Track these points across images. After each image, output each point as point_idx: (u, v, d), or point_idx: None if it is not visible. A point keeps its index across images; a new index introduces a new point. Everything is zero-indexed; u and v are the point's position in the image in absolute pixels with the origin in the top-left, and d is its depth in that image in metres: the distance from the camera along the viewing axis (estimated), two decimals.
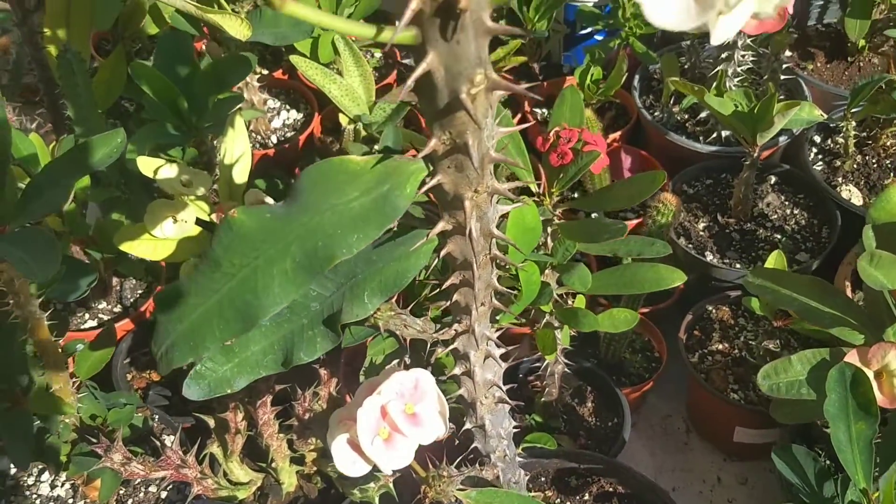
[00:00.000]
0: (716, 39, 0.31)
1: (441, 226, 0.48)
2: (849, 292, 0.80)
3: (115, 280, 0.92)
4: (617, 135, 1.08)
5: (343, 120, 1.08)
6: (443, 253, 0.49)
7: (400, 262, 0.49)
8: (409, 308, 0.59)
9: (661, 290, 0.64)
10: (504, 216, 0.51)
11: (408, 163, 0.43)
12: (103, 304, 0.90)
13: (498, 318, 0.59)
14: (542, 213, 0.62)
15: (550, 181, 0.65)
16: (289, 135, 1.15)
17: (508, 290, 0.59)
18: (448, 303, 0.55)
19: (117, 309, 0.90)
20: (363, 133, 1.04)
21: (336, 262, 0.41)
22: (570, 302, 0.70)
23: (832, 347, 0.61)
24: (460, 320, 0.57)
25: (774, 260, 0.78)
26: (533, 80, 1.22)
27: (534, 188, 0.66)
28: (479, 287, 0.53)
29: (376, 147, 1.06)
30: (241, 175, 0.79)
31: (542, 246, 0.65)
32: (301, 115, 1.17)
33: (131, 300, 0.91)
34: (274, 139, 1.15)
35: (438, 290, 0.53)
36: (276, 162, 1.11)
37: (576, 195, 0.69)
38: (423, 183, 0.44)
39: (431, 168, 0.44)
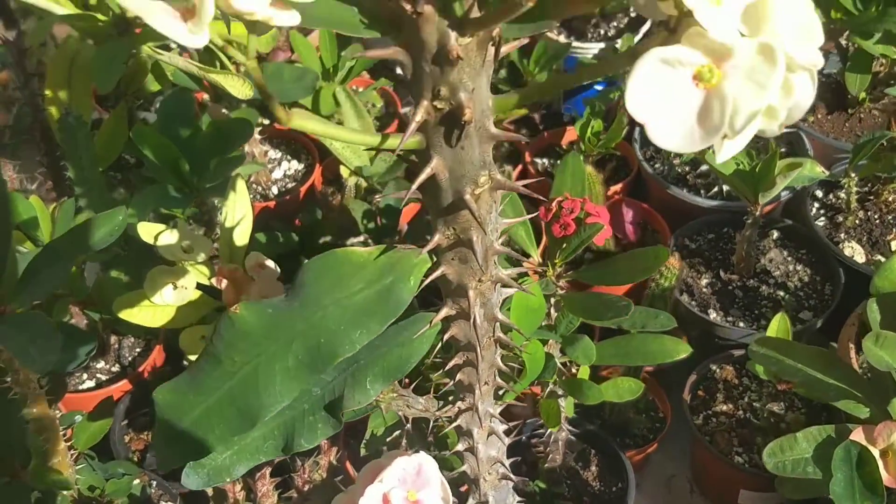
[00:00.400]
0: (721, 158, 0.31)
1: (445, 312, 0.47)
2: (852, 354, 0.79)
3: (113, 338, 0.91)
4: (618, 187, 1.08)
5: (344, 172, 1.08)
6: (446, 337, 0.49)
7: (403, 347, 0.48)
8: (411, 386, 0.58)
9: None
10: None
11: (411, 254, 0.43)
12: (101, 364, 0.90)
13: (501, 393, 0.59)
14: (544, 287, 0.61)
15: (553, 251, 0.64)
16: (290, 185, 1.15)
17: (512, 365, 0.59)
18: (451, 382, 0.54)
19: (115, 368, 0.90)
20: (364, 185, 1.04)
21: (339, 359, 0.41)
22: (573, 369, 0.69)
23: (837, 424, 0.61)
24: (463, 398, 0.56)
25: (777, 324, 0.77)
26: (534, 129, 1.22)
27: (536, 256, 0.66)
28: (482, 368, 0.52)
29: (378, 200, 1.06)
30: (241, 237, 0.79)
31: (546, 315, 0.65)
32: (302, 166, 1.18)
33: (129, 359, 0.91)
34: (275, 190, 1.15)
35: (442, 370, 0.52)
36: (277, 214, 1.11)
37: (580, 256, 0.69)
38: (428, 274, 0.44)
39: (435, 259, 0.44)
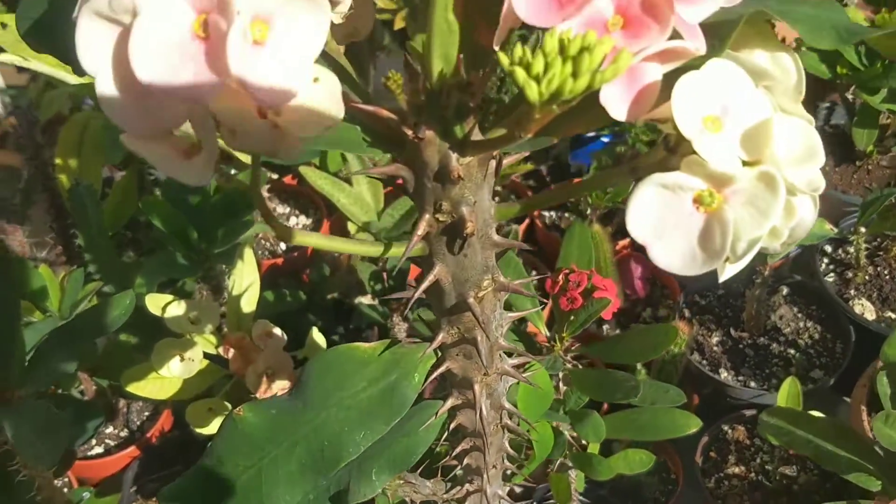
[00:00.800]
0: (723, 278, 0.31)
1: (451, 402, 0.47)
2: (864, 416, 0.79)
3: (122, 402, 0.91)
4: (626, 241, 1.08)
5: (352, 227, 1.09)
6: (452, 425, 0.49)
7: (409, 437, 0.48)
8: (418, 470, 0.58)
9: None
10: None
11: (416, 350, 0.43)
12: (110, 429, 0.90)
13: (510, 474, 0.58)
14: (552, 363, 0.61)
15: (560, 325, 0.64)
16: None
17: (521, 442, 0.58)
18: (459, 466, 0.54)
19: (124, 433, 0.90)
20: (371, 239, 1.04)
21: (343, 463, 0.41)
22: (583, 441, 0.68)
23: (848, 500, 0.60)
24: (471, 480, 0.56)
25: (788, 389, 0.76)
26: (541, 182, 1.23)
27: (543, 330, 0.65)
28: (490, 452, 0.52)
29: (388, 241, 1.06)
30: (249, 304, 0.79)
31: (554, 389, 0.64)
32: (310, 221, 1.18)
33: (138, 423, 0.90)
34: (283, 246, 1.15)
35: (448, 455, 0.52)
36: (285, 270, 1.11)
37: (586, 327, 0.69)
38: (433, 369, 0.44)
39: (440, 355, 0.44)
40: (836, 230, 0.92)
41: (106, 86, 0.28)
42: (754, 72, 0.30)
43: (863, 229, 0.95)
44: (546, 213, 1.17)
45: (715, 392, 0.90)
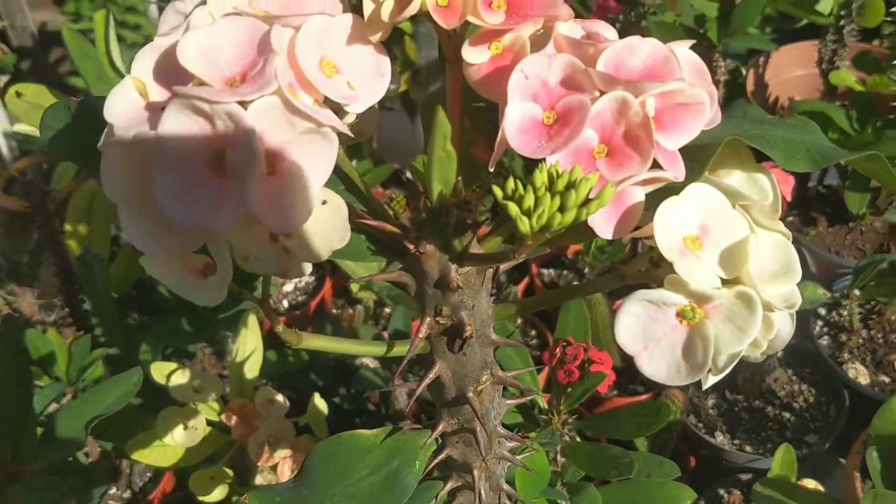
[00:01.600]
0: (706, 386, 0.33)
1: (451, 485, 0.48)
2: (858, 484, 0.80)
3: (125, 463, 0.92)
4: (622, 301, 1.09)
5: (354, 286, 1.11)
6: None
7: None
8: None
9: None
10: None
11: (417, 437, 0.44)
12: (113, 490, 0.91)
13: None
14: (549, 436, 0.63)
15: (558, 397, 0.66)
16: (300, 299, 1.17)
17: None
18: None
19: (126, 495, 0.91)
20: (373, 305, 1.06)
21: None
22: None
23: None
24: None
25: (782, 456, 0.77)
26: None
27: (542, 403, 0.67)
28: None
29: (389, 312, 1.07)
30: (252, 370, 0.80)
31: (552, 461, 0.65)
32: (313, 279, 1.20)
33: (140, 485, 0.91)
34: (286, 304, 1.17)
35: None
36: (288, 328, 1.12)
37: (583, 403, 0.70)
38: (433, 456, 0.45)
39: (440, 442, 0.45)
40: (829, 295, 0.94)
41: (128, 213, 0.30)
42: (731, 194, 0.33)
43: (857, 292, 0.96)
44: (545, 271, 1.19)
45: (711, 454, 0.91)
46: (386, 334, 0.98)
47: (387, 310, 1.13)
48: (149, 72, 0.31)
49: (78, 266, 0.81)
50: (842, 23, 1.13)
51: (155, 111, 0.30)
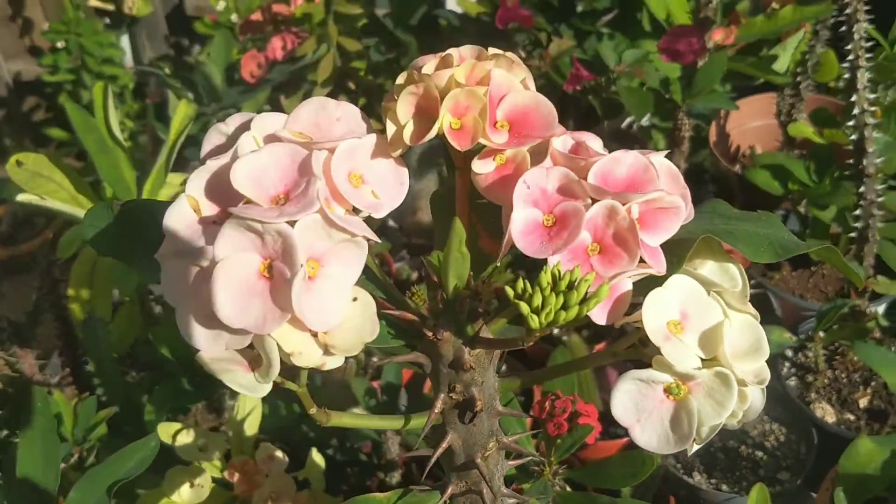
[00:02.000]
0: (691, 453, 0.38)
1: None
2: None
3: None
4: (601, 345, 1.14)
5: None
6: None
7: None
8: None
9: None
10: None
11: (427, 499, 0.48)
12: None
13: None
14: (542, 490, 0.67)
15: (549, 448, 0.70)
16: None
17: None
18: None
19: None
20: (363, 358, 1.10)
21: None
22: None
23: None
24: None
25: (756, 495, 0.82)
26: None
27: (536, 456, 0.71)
28: None
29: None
30: (251, 428, 0.84)
31: None
32: None
33: None
34: None
35: None
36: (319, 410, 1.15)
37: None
38: None
39: (449, 503, 0.49)
40: (794, 339, 1.00)
41: (184, 314, 0.34)
42: (706, 283, 0.38)
43: (821, 334, 1.02)
44: None
45: (690, 494, 0.96)
46: (377, 384, 1.02)
47: (374, 359, 1.16)
48: (201, 191, 0.35)
49: (82, 330, 0.85)
50: (798, 79, 1.21)
51: (208, 225, 0.35)
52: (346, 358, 1.02)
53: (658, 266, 0.36)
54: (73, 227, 0.88)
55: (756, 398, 0.38)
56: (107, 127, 0.93)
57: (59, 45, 1.96)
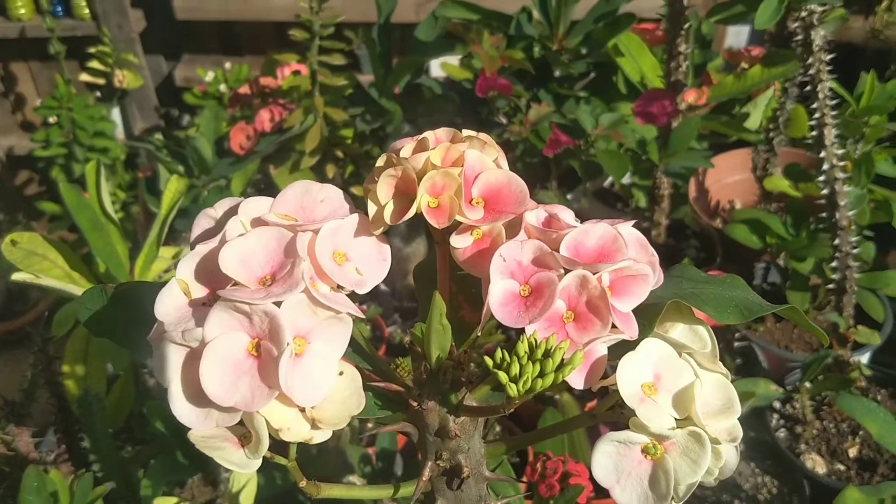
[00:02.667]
0: None
1: None
2: None
3: None
4: (593, 403, 1.15)
5: None
6: None
7: None
8: None
9: None
10: None
11: None
12: None
13: None
14: None
15: None
16: None
17: None
18: None
19: None
20: (357, 424, 1.10)
21: None
22: None
23: None
24: None
25: None
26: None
27: None
28: None
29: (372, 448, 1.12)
30: (247, 500, 0.84)
31: None
32: None
33: None
34: None
35: None
36: (272, 448, 1.16)
37: None
38: None
39: None
40: (781, 391, 1.01)
41: (175, 393, 0.36)
42: (677, 345, 0.39)
43: (807, 385, 1.04)
44: None
45: None
46: (372, 451, 1.02)
47: (369, 425, 1.17)
48: (191, 274, 0.37)
49: (78, 406, 0.85)
50: (771, 135, 1.25)
51: (198, 307, 0.36)
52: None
53: (630, 331, 0.38)
54: (68, 304, 0.90)
55: (730, 456, 0.39)
56: (99, 204, 0.95)
57: (51, 119, 2.00)
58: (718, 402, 0.39)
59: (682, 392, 0.38)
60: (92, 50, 2.08)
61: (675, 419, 0.38)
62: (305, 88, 1.26)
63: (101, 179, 0.96)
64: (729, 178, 1.42)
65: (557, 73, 1.19)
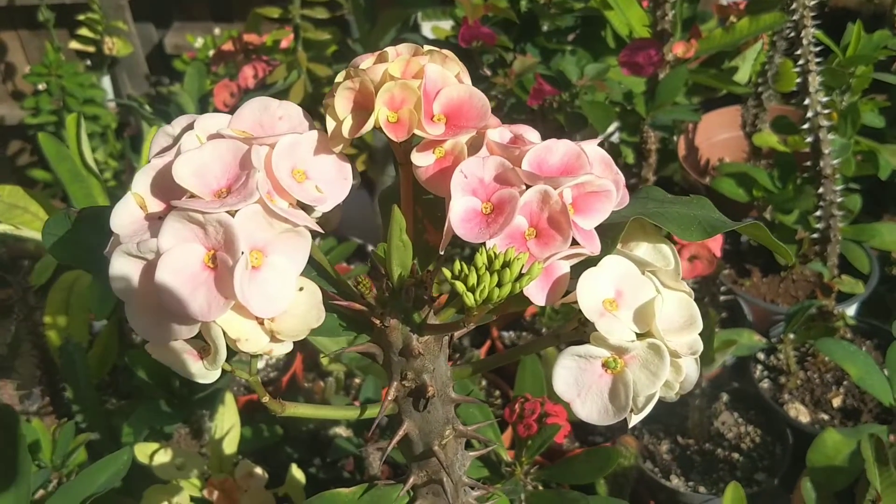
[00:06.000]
0: (631, 425, 0.39)
1: None
2: None
3: None
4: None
5: (324, 360, 1.15)
6: None
7: None
8: None
9: None
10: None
11: (391, 491, 0.49)
12: None
13: None
14: (513, 489, 0.68)
15: (520, 449, 0.71)
16: (272, 375, 1.21)
17: None
18: None
19: None
20: (343, 377, 1.11)
21: None
22: None
23: None
24: None
25: (731, 494, 0.83)
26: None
27: (506, 457, 0.72)
28: None
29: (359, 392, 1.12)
30: (230, 447, 0.84)
31: None
32: (283, 355, 1.24)
33: None
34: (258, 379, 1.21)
35: None
36: (261, 404, 1.16)
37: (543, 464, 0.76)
38: None
39: (412, 494, 0.50)
40: (765, 341, 1.01)
41: (133, 307, 0.35)
42: (640, 263, 0.39)
43: (791, 336, 1.04)
44: (505, 334, 1.25)
45: (668, 498, 0.96)
46: (358, 403, 1.03)
47: (356, 380, 1.17)
48: (147, 188, 0.36)
49: (59, 356, 0.85)
50: (759, 89, 1.24)
51: (153, 221, 0.36)
52: (326, 377, 1.03)
53: (592, 247, 0.38)
54: (48, 254, 0.89)
55: (690, 369, 0.39)
56: (80, 155, 0.94)
57: (41, 87, 1.98)
58: (680, 318, 0.39)
59: (643, 307, 0.38)
60: (81, 17, 2.05)
61: (636, 334, 0.38)
62: (289, 44, 1.25)
63: (81, 132, 0.95)
64: (718, 136, 1.41)
65: (545, 27, 1.18)
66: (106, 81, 2.22)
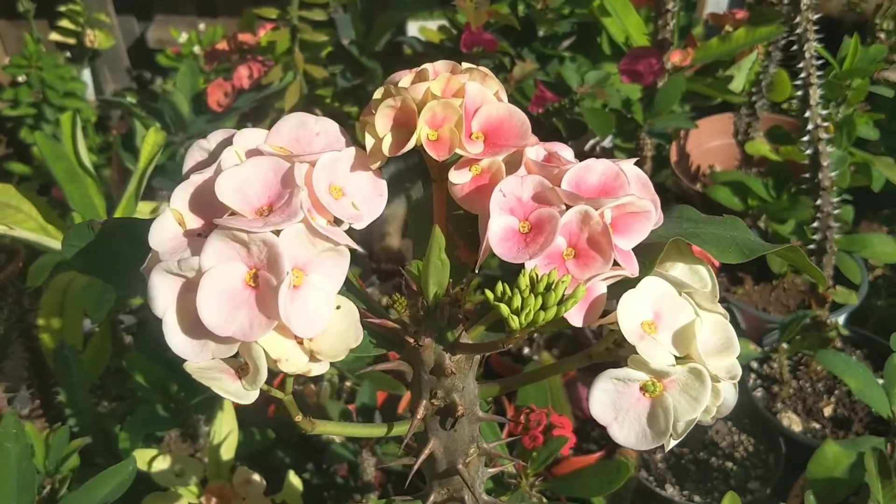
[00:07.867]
0: (668, 449, 0.39)
1: None
2: None
3: None
4: (593, 379, 1.16)
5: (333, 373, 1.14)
6: None
7: None
8: None
9: None
10: None
11: None
12: None
13: None
14: (520, 499, 0.68)
15: (525, 461, 0.71)
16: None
17: None
18: None
19: None
20: (337, 381, 1.10)
21: None
22: None
23: None
24: None
25: None
26: None
27: (511, 468, 0.72)
28: None
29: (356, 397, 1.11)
30: (228, 452, 0.83)
31: None
32: None
33: None
34: None
35: None
36: (255, 407, 1.15)
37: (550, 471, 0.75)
38: None
39: None
40: (759, 350, 1.02)
41: (170, 325, 0.35)
42: (678, 284, 0.39)
43: (785, 346, 1.05)
44: None
45: None
46: (353, 408, 1.02)
47: (347, 383, 1.16)
48: (185, 204, 0.36)
49: (53, 359, 0.84)
50: (753, 98, 1.25)
51: (193, 238, 0.35)
52: (321, 381, 1.02)
53: (631, 268, 0.38)
54: (43, 256, 0.88)
55: (729, 394, 0.39)
56: (76, 155, 0.93)
57: (20, 79, 1.94)
58: (717, 341, 0.39)
59: (682, 330, 0.38)
60: (62, 8, 2.02)
61: (675, 357, 0.38)
62: (285, 45, 1.24)
63: (76, 131, 0.94)
64: (710, 143, 1.42)
65: (541, 33, 1.18)
66: (86, 74, 2.19)
